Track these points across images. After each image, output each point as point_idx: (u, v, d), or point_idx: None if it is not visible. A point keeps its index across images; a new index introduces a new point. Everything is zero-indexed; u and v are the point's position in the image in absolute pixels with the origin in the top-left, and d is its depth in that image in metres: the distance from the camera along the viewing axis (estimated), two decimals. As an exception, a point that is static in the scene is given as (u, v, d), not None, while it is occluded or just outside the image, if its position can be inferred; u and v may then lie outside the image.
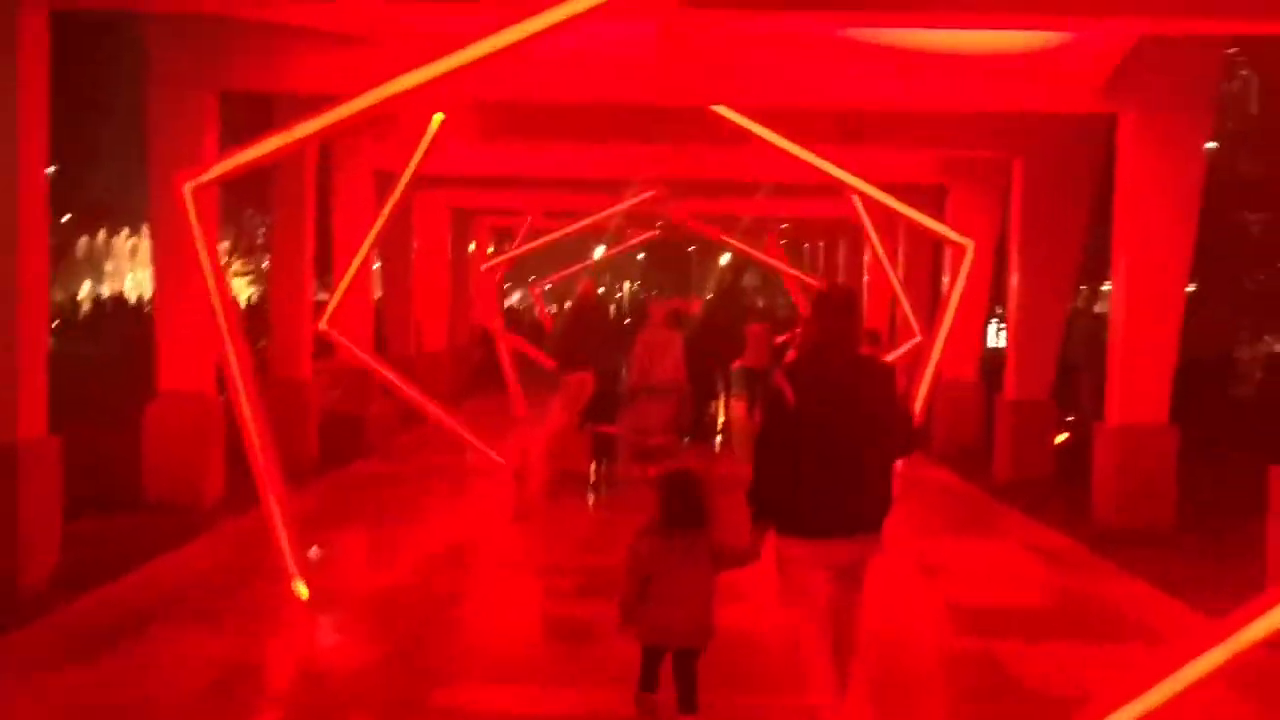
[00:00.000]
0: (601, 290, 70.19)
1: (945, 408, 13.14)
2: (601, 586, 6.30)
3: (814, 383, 4.21)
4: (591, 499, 10.33)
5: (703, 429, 14.01)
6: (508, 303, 38.42)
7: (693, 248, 48.58)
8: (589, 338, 11.58)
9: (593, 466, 10.53)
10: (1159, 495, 8.76)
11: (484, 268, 16.40)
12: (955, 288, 9.27)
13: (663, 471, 4.63)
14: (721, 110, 9.34)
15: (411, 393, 11.16)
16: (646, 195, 15.47)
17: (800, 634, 4.33)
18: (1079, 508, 9.39)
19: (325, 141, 13.01)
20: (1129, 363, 8.98)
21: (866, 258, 19.50)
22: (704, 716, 4.45)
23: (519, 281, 30.98)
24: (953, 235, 9.46)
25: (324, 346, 12.12)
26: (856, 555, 4.26)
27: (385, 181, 15.75)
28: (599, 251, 28.69)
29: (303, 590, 6.38)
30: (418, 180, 15.80)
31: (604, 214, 15.93)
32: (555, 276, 26.14)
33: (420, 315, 18.75)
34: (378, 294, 19.07)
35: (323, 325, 10.82)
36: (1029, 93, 9.12)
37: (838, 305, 4.38)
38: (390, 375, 11.21)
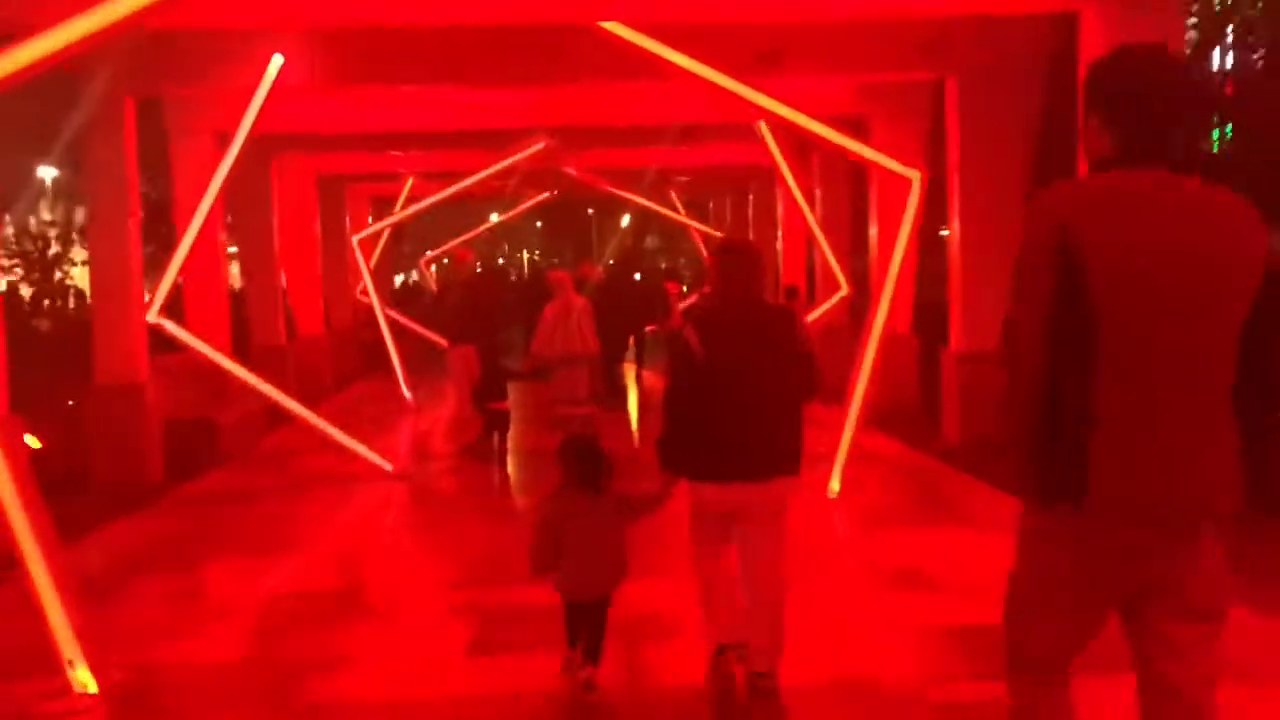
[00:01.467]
0: (501, 261, 68.39)
1: (877, 365, 11.84)
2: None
3: (718, 331, 4.23)
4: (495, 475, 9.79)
5: (616, 395, 13.40)
6: (400, 278, 36.28)
7: (591, 210, 47.10)
8: (472, 310, 10.96)
9: (492, 441, 10.30)
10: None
11: (357, 239, 14.52)
12: (903, 228, 7.88)
13: (565, 442, 4.46)
14: (614, 28, 7.76)
15: (267, 389, 9.38)
16: (536, 148, 13.81)
17: (704, 578, 4.39)
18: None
19: (152, 100, 11.13)
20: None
21: (780, 209, 18.16)
22: (608, 666, 4.49)
23: (416, 255, 29.02)
24: (896, 166, 8.04)
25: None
26: (772, 497, 4.25)
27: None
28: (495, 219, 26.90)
29: (88, 681, 4.69)
30: (272, 142, 14.01)
31: (486, 171, 14.19)
32: (446, 248, 24.26)
33: (292, 298, 16.93)
34: (237, 277, 17.23)
35: (151, 316, 8.96)
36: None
37: (737, 254, 4.41)
38: (239, 370, 9.40)
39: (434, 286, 24.00)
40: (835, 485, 8.09)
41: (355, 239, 14.49)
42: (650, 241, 47.89)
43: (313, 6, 7.42)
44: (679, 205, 22.03)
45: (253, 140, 13.41)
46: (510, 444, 10.52)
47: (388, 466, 9.58)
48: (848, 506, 8.02)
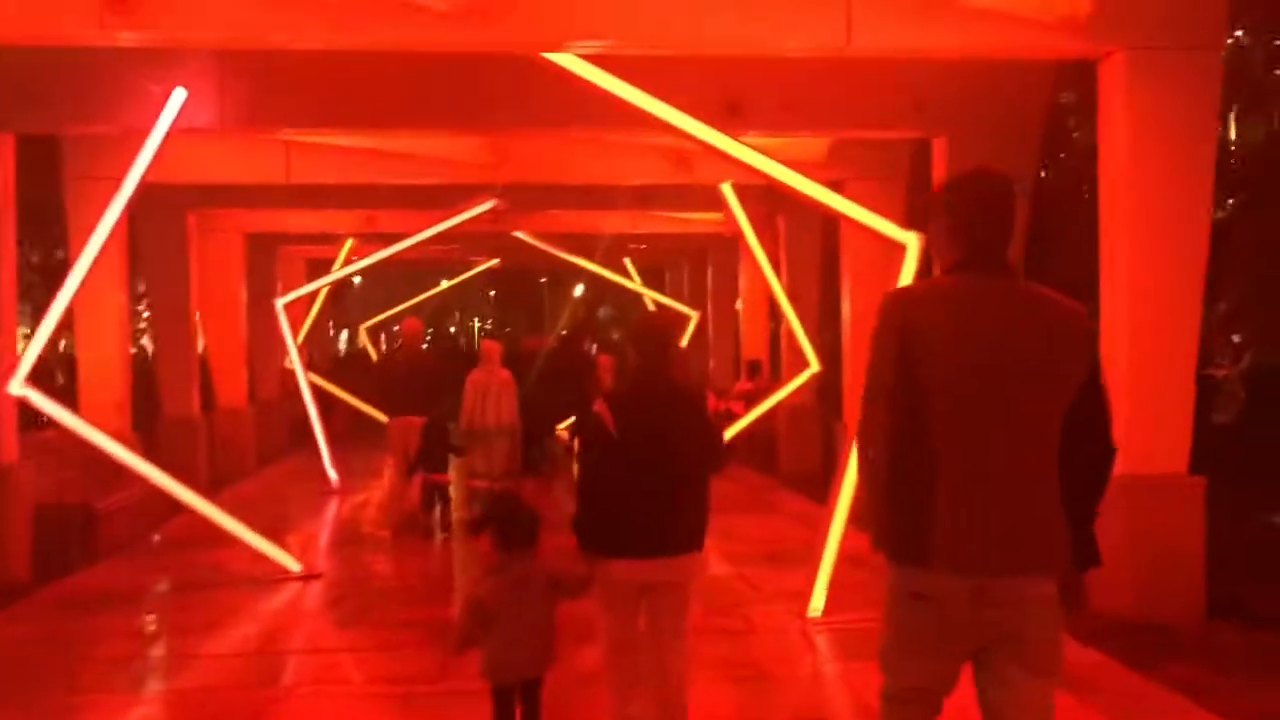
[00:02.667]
0: (452, 329, 67.10)
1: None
2: None
3: (633, 409, 4.30)
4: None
5: (545, 467, 12.75)
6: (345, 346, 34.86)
7: (544, 279, 46.09)
8: (415, 380, 10.57)
9: (432, 516, 10.14)
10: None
11: (282, 302, 13.25)
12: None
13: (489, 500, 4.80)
14: (564, 61, 6.72)
15: (149, 471, 8.03)
16: (483, 207, 12.72)
17: (613, 657, 4.34)
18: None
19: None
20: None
21: (742, 278, 17.18)
22: None
23: (362, 322, 27.69)
24: (891, 229, 6.98)
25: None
26: (681, 574, 4.31)
27: (150, 196, 12.70)
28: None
29: None
30: (188, 194, 12.81)
31: (429, 231, 13.05)
32: (387, 315, 23.13)
33: (213, 366, 15.56)
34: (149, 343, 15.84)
35: (14, 387, 7.60)
36: (973, 34, 6.80)
37: (653, 334, 4.47)
38: (114, 447, 8.02)
39: (374, 356, 22.77)
40: (818, 604, 6.83)
41: (280, 303, 13.22)
42: (604, 312, 46.95)
43: (213, 21, 6.25)
44: (634, 274, 21.00)
45: (163, 190, 12.44)
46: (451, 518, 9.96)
47: (294, 566, 8.25)
48: (832, 632, 6.70)
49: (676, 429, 4.29)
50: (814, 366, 11.76)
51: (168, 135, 7.85)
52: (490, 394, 10.50)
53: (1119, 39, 6.55)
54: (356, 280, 38.71)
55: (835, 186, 11.79)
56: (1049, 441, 2.92)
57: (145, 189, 12.63)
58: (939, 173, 9.07)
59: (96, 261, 9.99)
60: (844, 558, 6.91)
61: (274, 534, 10.28)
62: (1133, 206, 6.71)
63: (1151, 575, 6.54)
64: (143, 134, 8.02)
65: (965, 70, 8.50)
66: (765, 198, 13.13)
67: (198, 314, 15.83)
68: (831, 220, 14.01)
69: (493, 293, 57.43)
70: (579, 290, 33.75)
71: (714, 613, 6.99)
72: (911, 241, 6.77)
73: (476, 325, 64.33)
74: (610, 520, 4.23)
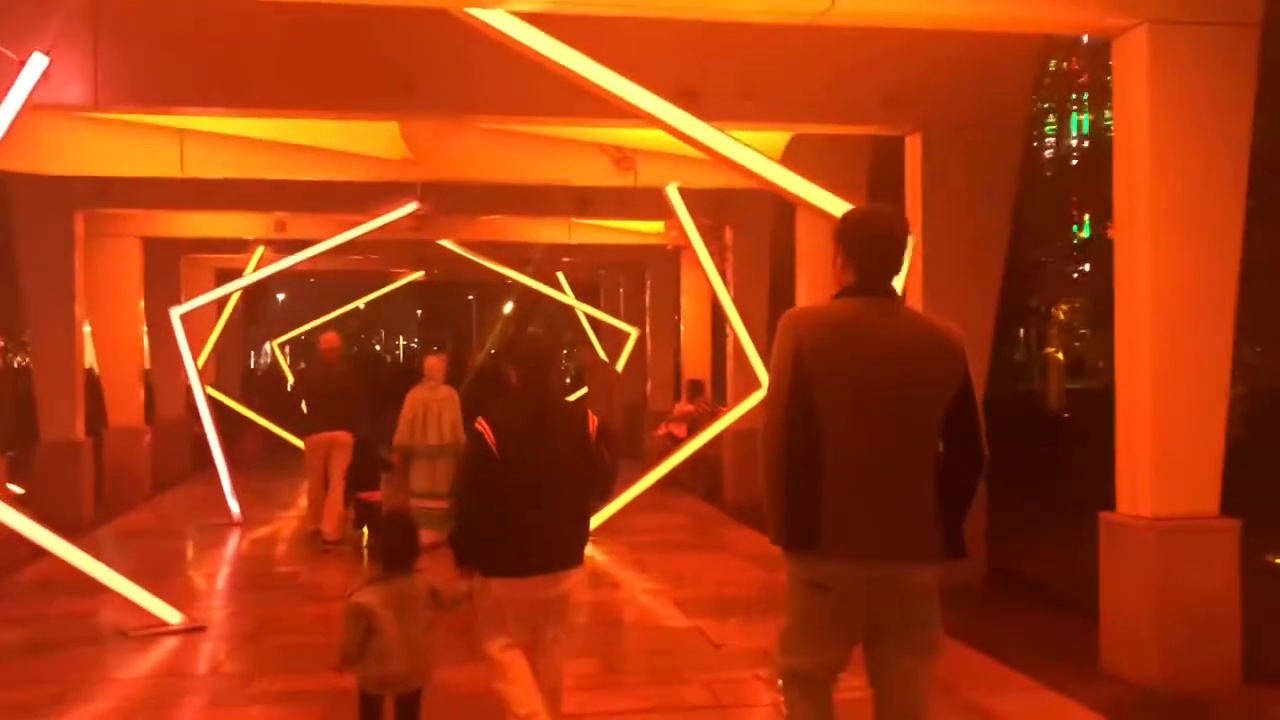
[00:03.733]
0: (377, 347, 65.43)
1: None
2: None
3: (514, 428, 4.31)
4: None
5: None
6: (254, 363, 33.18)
7: (472, 296, 44.87)
8: (333, 396, 10.23)
9: (360, 536, 9.86)
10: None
11: (178, 312, 11.94)
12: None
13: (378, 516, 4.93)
14: (492, 17, 5.68)
15: None
16: (406, 210, 11.60)
17: (500, 671, 4.30)
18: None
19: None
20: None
21: (685, 296, 16.21)
22: None
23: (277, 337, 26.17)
24: None
25: None
26: (560, 590, 4.33)
27: (29, 192, 11.38)
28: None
29: None
30: (74, 190, 11.51)
31: (345, 236, 11.88)
32: (302, 329, 21.78)
33: (106, 383, 14.15)
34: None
35: None
36: (980, 4, 5.91)
37: (534, 355, 4.50)
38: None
39: (287, 372, 21.39)
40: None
41: (176, 312, 11.90)
42: (534, 330, 45.83)
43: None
44: (568, 289, 19.95)
45: (43, 185, 11.12)
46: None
47: (173, 618, 7.03)
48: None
49: (555, 448, 4.35)
50: (765, 387, 10.82)
51: (25, 111, 6.59)
52: (432, 410, 9.79)
53: (1141, 11, 5.70)
54: (280, 296, 37.22)
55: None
56: (927, 445, 3.29)
57: (23, 182, 11.57)
58: (913, 174, 8.17)
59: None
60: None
61: (158, 575, 9.08)
62: (1154, 202, 5.79)
63: (1180, 634, 5.63)
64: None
65: (941, 61, 7.63)
66: (712, 206, 12.23)
67: (87, 326, 14.46)
68: (781, 232, 13.24)
69: (419, 311, 55.99)
70: (509, 307, 32.65)
71: (672, 679, 5.97)
72: (909, 240, 5.81)
73: (402, 342, 62.75)
74: (488, 537, 4.27)
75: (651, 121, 6.02)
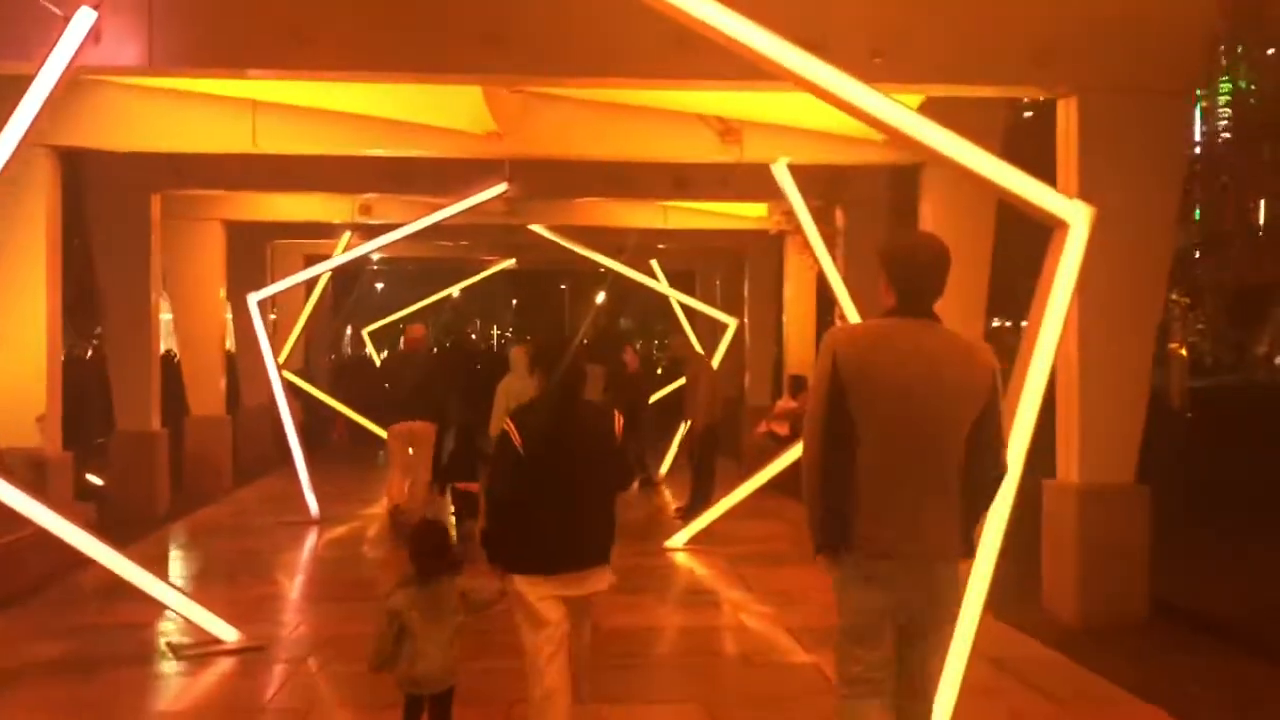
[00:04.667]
0: (474, 336, 65.49)
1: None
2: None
3: (539, 428, 4.35)
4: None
5: None
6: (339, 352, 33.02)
7: (564, 285, 44.32)
8: (421, 388, 10.16)
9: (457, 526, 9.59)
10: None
11: (255, 298, 11.38)
12: (1056, 288, 4.81)
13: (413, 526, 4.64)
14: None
15: (30, 508, 6.09)
16: (496, 190, 10.87)
17: (531, 665, 4.35)
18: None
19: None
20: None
21: (788, 285, 15.18)
22: None
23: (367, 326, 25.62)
24: (1055, 200, 4.88)
25: None
26: (592, 587, 4.40)
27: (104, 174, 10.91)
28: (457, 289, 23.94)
29: None
30: (152, 171, 11.03)
31: (432, 218, 11.18)
32: (390, 319, 21.35)
33: (187, 371, 13.73)
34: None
35: None
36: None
37: (560, 355, 4.54)
38: (-3, 484, 6.11)
39: (377, 362, 20.96)
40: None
41: (253, 298, 11.36)
42: (625, 322, 45.15)
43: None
44: (661, 276, 19.02)
45: (118, 165, 10.65)
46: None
47: (228, 636, 6.35)
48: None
49: (581, 447, 4.39)
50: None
51: (74, 72, 5.95)
52: (524, 401, 9.01)
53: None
54: (379, 286, 37.05)
55: (913, 171, 10.05)
56: (956, 455, 3.49)
57: (98, 163, 11.13)
58: (1066, 143, 7.09)
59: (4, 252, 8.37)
60: (977, 660, 4.88)
61: (223, 580, 8.51)
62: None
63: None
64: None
65: (1101, 11, 6.57)
66: (822, 186, 11.21)
67: (167, 313, 14.09)
68: (899, 213, 12.17)
69: (514, 301, 55.90)
70: (600, 297, 31.94)
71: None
72: (1081, 215, 4.78)
73: (496, 332, 62.74)
74: (516, 536, 4.33)
75: (776, 74, 5.09)
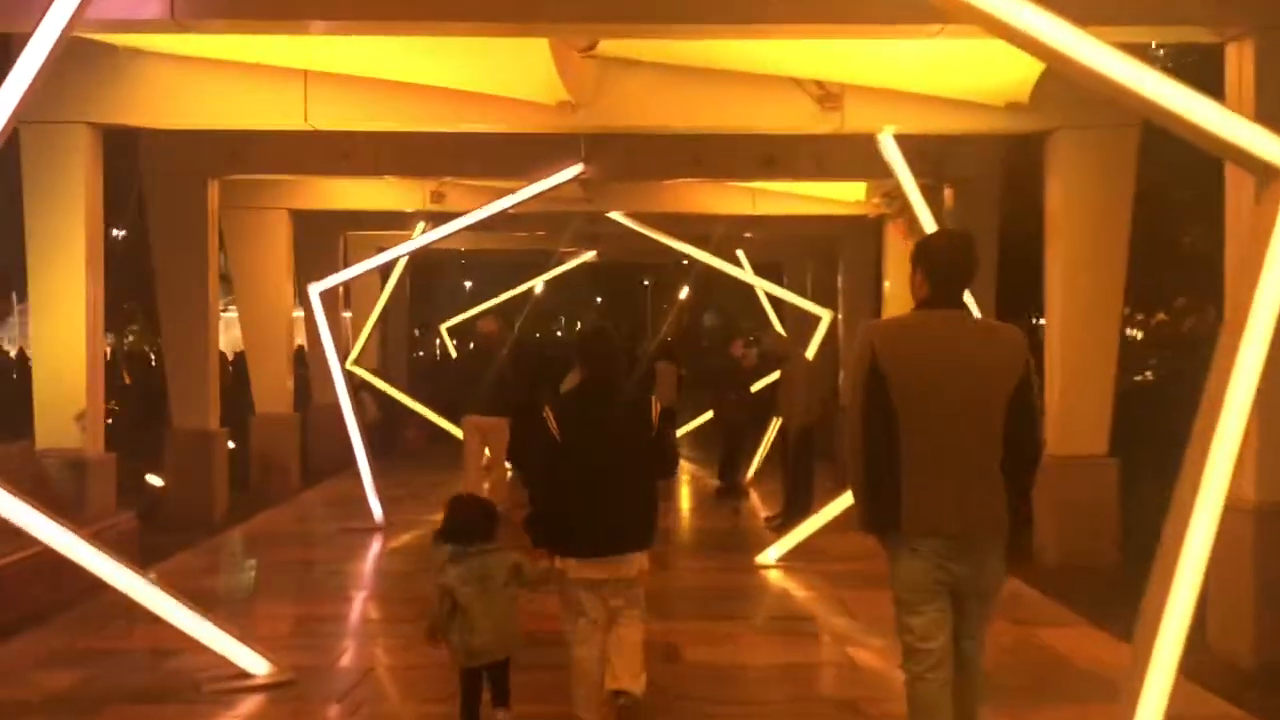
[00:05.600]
0: (559, 333, 65.12)
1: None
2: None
3: (578, 417, 4.58)
4: None
5: None
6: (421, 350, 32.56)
7: (647, 281, 43.46)
8: (495, 383, 9.91)
9: None
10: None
11: (317, 289, 10.68)
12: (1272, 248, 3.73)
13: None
14: None
15: (49, 530, 5.34)
16: (572, 172, 10.03)
17: (576, 654, 4.59)
18: None
19: None
20: None
21: (889, 274, 14.03)
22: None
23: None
24: (1265, 143, 3.80)
25: None
26: (628, 572, 4.55)
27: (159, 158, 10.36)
28: (538, 284, 23.17)
29: None
30: (208, 156, 10.38)
31: (496, 206, 10.40)
32: (468, 314, 20.64)
33: (253, 368, 13.16)
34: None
35: None
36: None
37: (599, 347, 4.75)
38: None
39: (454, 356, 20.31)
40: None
41: (314, 289, 10.67)
42: (709, 318, 44.09)
43: None
44: (748, 267, 17.97)
45: (174, 146, 10.04)
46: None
47: (258, 669, 5.56)
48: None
49: (618, 435, 4.56)
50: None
51: (77, 23, 5.19)
52: None
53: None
54: (468, 284, 36.63)
55: (1036, 141, 8.92)
56: (994, 433, 3.67)
57: (153, 149, 10.55)
58: (1238, 94, 5.94)
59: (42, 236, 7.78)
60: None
61: (270, 595, 7.80)
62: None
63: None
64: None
65: None
66: (929, 162, 10.09)
67: (230, 310, 13.56)
68: (1015, 191, 11.01)
69: (598, 298, 55.45)
70: (684, 292, 31.02)
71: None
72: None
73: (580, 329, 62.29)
74: (559, 521, 4.50)
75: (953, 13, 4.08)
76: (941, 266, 3.79)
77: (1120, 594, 7.02)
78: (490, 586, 4.41)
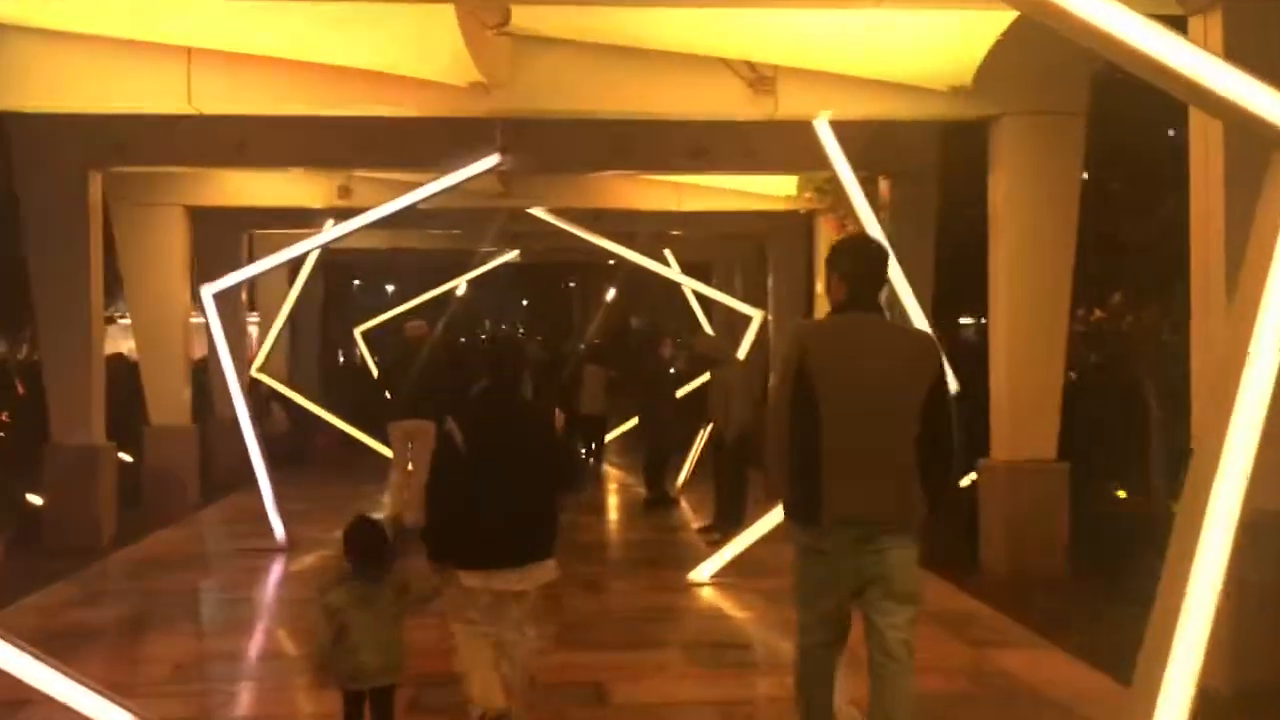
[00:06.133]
0: (484, 337, 64.18)
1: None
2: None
3: (480, 425, 4.54)
4: None
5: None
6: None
7: (573, 282, 42.76)
8: (422, 386, 9.82)
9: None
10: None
11: (211, 290, 9.83)
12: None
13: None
14: None
15: None
16: (488, 163, 9.31)
17: (466, 659, 4.60)
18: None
19: None
20: None
21: (820, 282, 13.53)
22: None
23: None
24: None
25: None
26: (527, 582, 4.54)
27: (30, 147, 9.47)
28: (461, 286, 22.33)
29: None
30: (82, 142, 9.38)
31: (415, 196, 9.66)
32: (385, 317, 19.85)
33: (147, 376, 12.22)
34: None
35: None
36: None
37: (500, 354, 4.80)
38: None
39: (370, 364, 19.43)
40: None
41: (208, 291, 9.82)
42: (636, 322, 43.56)
43: None
44: (675, 267, 17.42)
45: (43, 136, 9.16)
46: None
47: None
48: None
49: (521, 446, 4.53)
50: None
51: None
52: None
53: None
54: (389, 288, 35.55)
55: (978, 130, 8.50)
56: (908, 432, 3.86)
57: (25, 135, 9.61)
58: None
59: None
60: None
61: (152, 627, 7.03)
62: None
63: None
64: None
65: None
66: (862, 152, 9.60)
67: (123, 318, 12.61)
68: (954, 183, 10.60)
69: (524, 301, 54.75)
70: (610, 294, 30.42)
71: None
72: None
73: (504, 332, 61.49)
74: (457, 532, 4.44)
75: None
76: (855, 271, 4.04)
77: (1074, 607, 7.13)
78: (377, 608, 4.28)
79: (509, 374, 4.65)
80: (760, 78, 7.61)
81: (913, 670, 3.91)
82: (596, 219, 13.72)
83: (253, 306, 18.27)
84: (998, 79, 7.75)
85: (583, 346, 18.19)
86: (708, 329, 17.18)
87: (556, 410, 4.83)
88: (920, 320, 8.21)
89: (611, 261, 19.87)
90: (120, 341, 17.33)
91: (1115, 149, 10.21)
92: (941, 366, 3.98)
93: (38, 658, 4.68)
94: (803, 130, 8.21)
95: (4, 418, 18.75)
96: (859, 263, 4.06)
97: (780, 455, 3.98)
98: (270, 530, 9.73)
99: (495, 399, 4.63)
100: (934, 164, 10.09)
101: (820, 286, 13.36)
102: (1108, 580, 7.71)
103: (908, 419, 3.84)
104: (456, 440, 4.40)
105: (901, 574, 3.88)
